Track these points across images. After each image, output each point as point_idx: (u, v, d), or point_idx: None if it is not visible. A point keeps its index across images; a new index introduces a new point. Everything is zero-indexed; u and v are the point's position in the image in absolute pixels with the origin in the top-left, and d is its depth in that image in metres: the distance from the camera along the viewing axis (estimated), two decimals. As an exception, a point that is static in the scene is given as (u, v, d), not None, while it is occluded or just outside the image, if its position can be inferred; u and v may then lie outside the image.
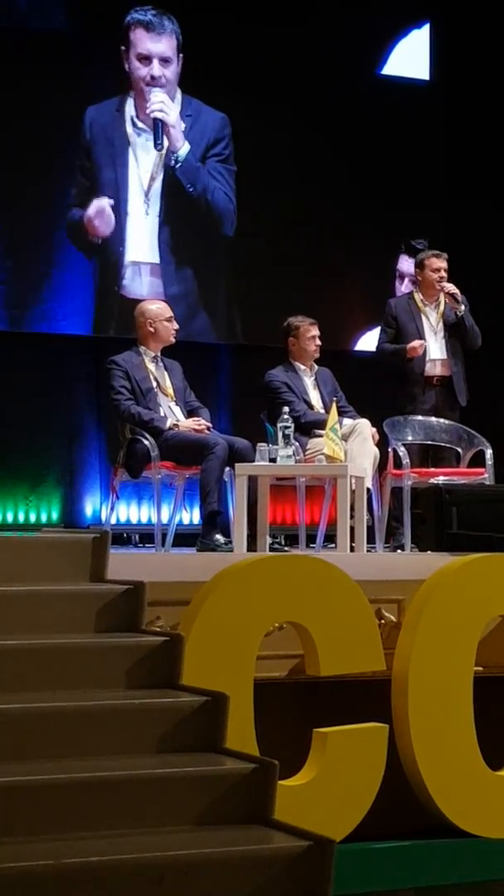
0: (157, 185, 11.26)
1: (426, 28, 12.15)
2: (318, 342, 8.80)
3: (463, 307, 8.90)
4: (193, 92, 11.38)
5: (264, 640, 5.64)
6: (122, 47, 11.19)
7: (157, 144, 11.17)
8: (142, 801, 4.34)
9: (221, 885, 4.10)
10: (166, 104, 11.22)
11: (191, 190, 11.30)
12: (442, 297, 8.95)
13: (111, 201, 11.05)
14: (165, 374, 8.31)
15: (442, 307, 8.97)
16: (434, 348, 8.91)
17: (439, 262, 9.01)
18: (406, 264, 12.04)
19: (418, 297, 9.03)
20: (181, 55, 11.28)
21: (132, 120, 11.23)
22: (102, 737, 4.60)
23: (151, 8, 11.22)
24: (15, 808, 4.19)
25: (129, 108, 11.23)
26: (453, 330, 8.94)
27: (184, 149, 11.28)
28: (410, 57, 12.08)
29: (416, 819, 5.84)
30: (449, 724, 5.83)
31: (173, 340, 8.36)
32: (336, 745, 5.59)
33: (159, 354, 8.35)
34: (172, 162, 11.24)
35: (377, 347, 9.15)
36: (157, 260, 11.22)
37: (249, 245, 11.45)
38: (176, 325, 8.39)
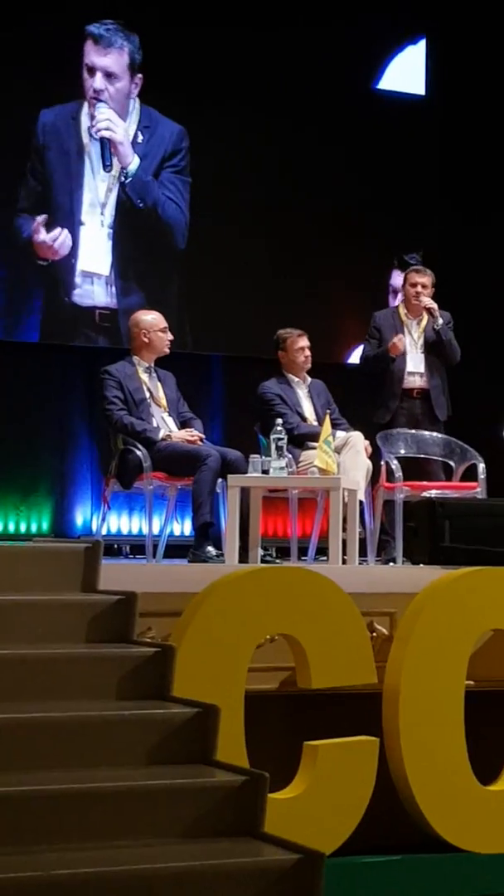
0: (114, 196, 11.17)
1: (422, 43, 12.17)
2: (308, 353, 8.77)
3: (440, 321, 8.92)
4: (153, 103, 11.27)
5: (256, 652, 5.64)
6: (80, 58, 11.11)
7: (106, 165, 11.09)
8: (132, 812, 4.33)
9: (211, 898, 4.09)
10: (112, 121, 11.12)
11: (140, 205, 11.22)
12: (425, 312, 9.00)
13: (68, 233, 10.97)
14: (159, 384, 8.30)
15: (425, 322, 9.00)
16: (414, 361, 8.92)
17: (418, 277, 9.03)
18: (398, 279, 12.00)
19: (403, 310, 9.07)
20: (139, 73, 11.20)
21: (88, 130, 11.12)
22: (93, 748, 4.58)
23: (113, 22, 11.12)
24: (4, 819, 4.17)
25: (85, 117, 11.11)
26: (434, 345, 8.97)
27: (133, 164, 11.19)
28: (406, 72, 12.09)
29: (406, 833, 5.83)
30: (440, 738, 5.82)
31: (167, 351, 8.35)
32: (326, 759, 5.59)
33: (153, 365, 8.33)
34: (122, 178, 11.16)
35: (360, 358, 9.16)
36: (109, 271, 11.12)
37: (232, 259, 11.40)
38: (170, 336, 8.37)
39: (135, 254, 11.25)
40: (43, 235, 10.90)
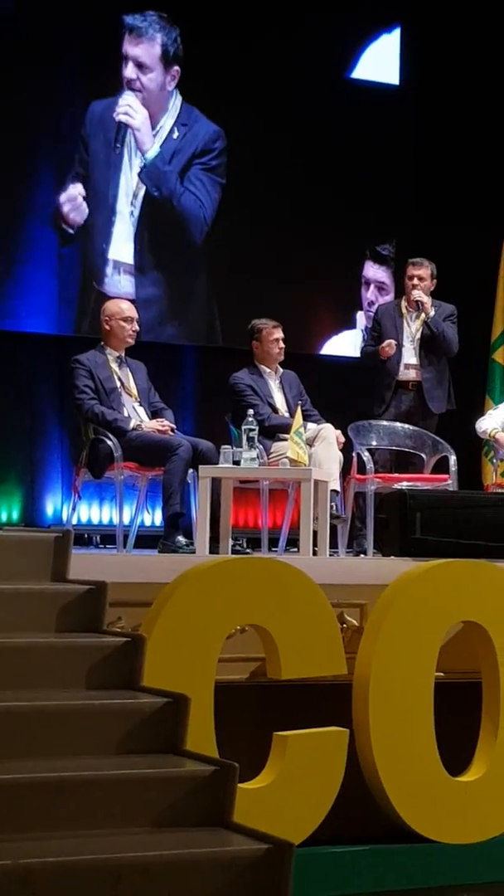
0: (143, 188, 11.31)
1: (396, 32, 12.16)
2: (282, 345, 8.78)
3: (432, 313, 8.97)
4: (193, 101, 11.42)
5: (226, 642, 5.62)
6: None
7: (116, 146, 11.18)
8: (101, 801, 4.31)
9: (179, 887, 4.07)
10: (133, 107, 11.24)
11: (155, 194, 11.30)
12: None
13: (82, 191, 11.03)
14: (129, 374, 8.28)
15: (423, 315, 9.04)
16: (409, 353, 9.00)
17: (413, 270, 9.13)
18: (372, 270, 12.05)
19: (403, 303, 9.16)
20: (174, 66, 11.31)
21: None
22: (62, 737, 4.56)
23: (154, 13, 11.27)
24: (-28, 808, 4.16)
25: (123, 107, 11.37)
26: (430, 338, 9.01)
27: (151, 152, 11.27)
28: (381, 61, 12.08)
29: (375, 824, 5.83)
30: (409, 729, 5.82)
31: (131, 342, 8.32)
32: (296, 749, 5.58)
33: (123, 354, 8.31)
34: (141, 164, 11.24)
35: (361, 350, 9.34)
36: (133, 260, 11.21)
37: (218, 249, 11.44)
38: (135, 327, 8.33)
39: (151, 244, 11.33)
40: (62, 197, 11.00)
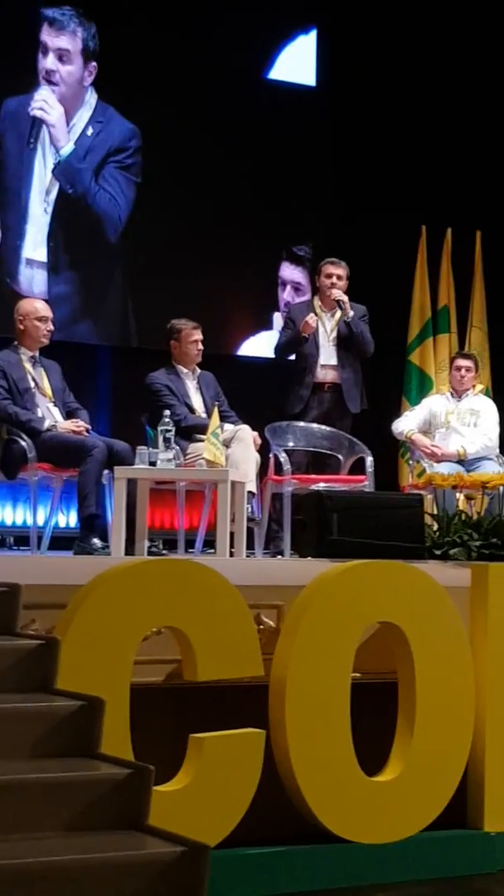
0: (57, 184, 11.24)
1: (313, 34, 12.18)
2: (201, 346, 8.77)
3: (351, 314, 9.00)
4: (109, 99, 11.35)
5: (141, 644, 5.59)
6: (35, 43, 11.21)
7: (29, 143, 11.09)
8: (14, 806, 4.25)
9: (94, 891, 4.03)
10: (48, 103, 11.15)
11: (70, 191, 11.22)
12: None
13: None
14: (44, 374, 8.22)
15: (339, 314, 9.06)
16: (326, 354, 9.03)
17: (332, 269, 9.15)
18: (288, 271, 12.06)
19: (317, 303, 9.18)
20: (92, 62, 11.24)
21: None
22: (-26, 741, 4.51)
23: (70, 8, 11.20)
24: None
25: (37, 103, 11.30)
26: (347, 338, 9.03)
27: (66, 149, 11.19)
28: (297, 62, 12.11)
29: (291, 825, 5.82)
30: (325, 730, 5.82)
31: (45, 341, 8.27)
32: (212, 751, 5.56)
33: (37, 354, 8.25)
34: (55, 161, 11.16)
35: (275, 348, 9.48)
36: (46, 258, 11.12)
37: (134, 249, 11.39)
38: (50, 326, 8.28)
39: (66, 243, 11.24)
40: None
